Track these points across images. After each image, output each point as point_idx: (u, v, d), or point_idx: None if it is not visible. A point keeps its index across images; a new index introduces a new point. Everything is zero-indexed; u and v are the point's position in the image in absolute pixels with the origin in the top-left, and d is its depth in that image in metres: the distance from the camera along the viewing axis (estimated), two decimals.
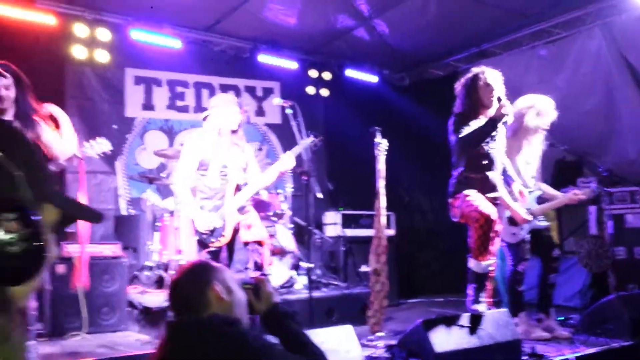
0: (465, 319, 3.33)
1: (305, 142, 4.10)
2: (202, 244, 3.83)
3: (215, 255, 3.84)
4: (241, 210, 3.85)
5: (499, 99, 3.68)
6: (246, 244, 3.82)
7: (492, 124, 3.64)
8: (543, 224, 4.26)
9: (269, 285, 2.04)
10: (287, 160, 3.94)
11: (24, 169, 0.99)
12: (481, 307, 3.62)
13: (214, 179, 3.81)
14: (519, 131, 4.17)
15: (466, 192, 3.70)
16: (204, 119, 3.96)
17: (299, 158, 4.10)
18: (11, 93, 3.18)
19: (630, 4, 5.59)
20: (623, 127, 5.89)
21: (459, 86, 3.92)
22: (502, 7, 5.96)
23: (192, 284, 1.78)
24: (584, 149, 5.97)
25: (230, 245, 3.86)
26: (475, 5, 5.88)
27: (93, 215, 1.27)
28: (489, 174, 3.77)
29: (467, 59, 7.28)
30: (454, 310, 4.76)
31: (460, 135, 3.67)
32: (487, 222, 3.58)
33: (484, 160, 3.75)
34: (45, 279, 4.50)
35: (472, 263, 3.69)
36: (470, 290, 3.72)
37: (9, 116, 3.16)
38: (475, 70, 3.87)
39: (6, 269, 0.94)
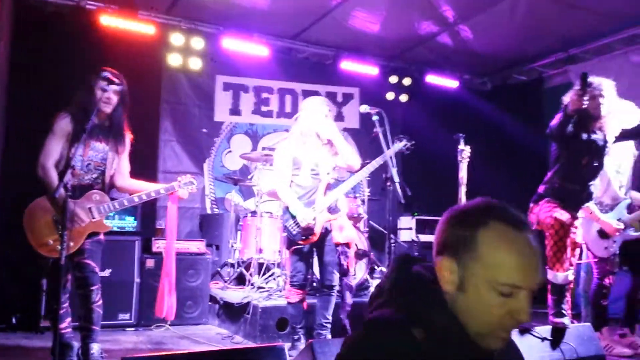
0: (547, 332, 3.27)
1: (398, 146, 4.18)
2: (290, 242, 3.94)
3: (306, 254, 3.95)
4: (331, 209, 3.93)
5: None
6: (337, 245, 3.90)
7: (573, 117, 3.47)
8: (635, 234, 4.09)
9: None
10: (376, 164, 4.02)
11: None
12: (565, 320, 3.50)
13: (305, 178, 3.93)
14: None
15: (549, 199, 3.64)
16: (295, 120, 4.10)
17: (383, 164, 4.16)
18: (115, 101, 3.44)
19: None
20: None
21: (568, 95, 3.81)
22: (595, 11, 5.74)
23: (441, 232, 1.21)
24: None
25: (320, 245, 3.94)
26: (567, 9, 5.70)
27: None
28: (589, 186, 3.67)
29: (553, 64, 7.09)
30: (531, 322, 4.66)
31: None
32: (562, 228, 3.50)
33: (583, 172, 3.65)
34: (135, 273, 4.88)
35: (549, 274, 3.61)
36: (550, 302, 3.63)
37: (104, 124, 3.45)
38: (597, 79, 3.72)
39: None
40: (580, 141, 3.58)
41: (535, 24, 6.11)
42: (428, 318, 1.12)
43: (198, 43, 6.41)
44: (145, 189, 3.59)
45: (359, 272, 5.45)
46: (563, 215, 3.52)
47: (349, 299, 4.02)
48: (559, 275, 3.54)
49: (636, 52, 6.23)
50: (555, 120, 3.56)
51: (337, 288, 3.90)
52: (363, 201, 5.97)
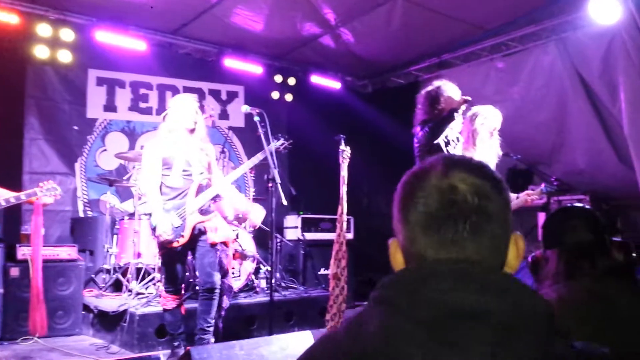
0: None
1: (275, 144, 4.17)
2: (161, 245, 3.79)
3: (179, 257, 3.83)
4: (203, 211, 3.83)
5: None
6: (213, 245, 3.79)
7: (451, 113, 3.78)
8: None
9: None
10: (251, 164, 4.01)
11: None
12: None
13: (176, 179, 3.78)
14: (469, 140, 4.33)
15: None
16: (163, 118, 3.97)
17: (265, 165, 4.14)
18: None
19: (585, 20, 5.66)
20: (573, 139, 6.11)
21: (421, 97, 4.03)
22: (463, 20, 6.13)
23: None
24: (535, 158, 6.18)
25: (194, 247, 3.83)
26: (438, 18, 6.04)
27: None
28: None
29: (427, 69, 7.48)
30: None
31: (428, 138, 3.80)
32: None
33: None
34: None
35: None
36: None
37: None
38: (437, 82, 4.02)
39: None
40: (437, 142, 3.86)
41: (410, 30, 6.39)
42: None
43: (68, 35, 5.96)
44: (4, 195, 3.29)
45: (243, 273, 5.40)
46: None
47: (226, 301, 3.95)
48: None
49: (501, 59, 6.74)
50: (422, 135, 3.86)
51: (218, 290, 3.81)
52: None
